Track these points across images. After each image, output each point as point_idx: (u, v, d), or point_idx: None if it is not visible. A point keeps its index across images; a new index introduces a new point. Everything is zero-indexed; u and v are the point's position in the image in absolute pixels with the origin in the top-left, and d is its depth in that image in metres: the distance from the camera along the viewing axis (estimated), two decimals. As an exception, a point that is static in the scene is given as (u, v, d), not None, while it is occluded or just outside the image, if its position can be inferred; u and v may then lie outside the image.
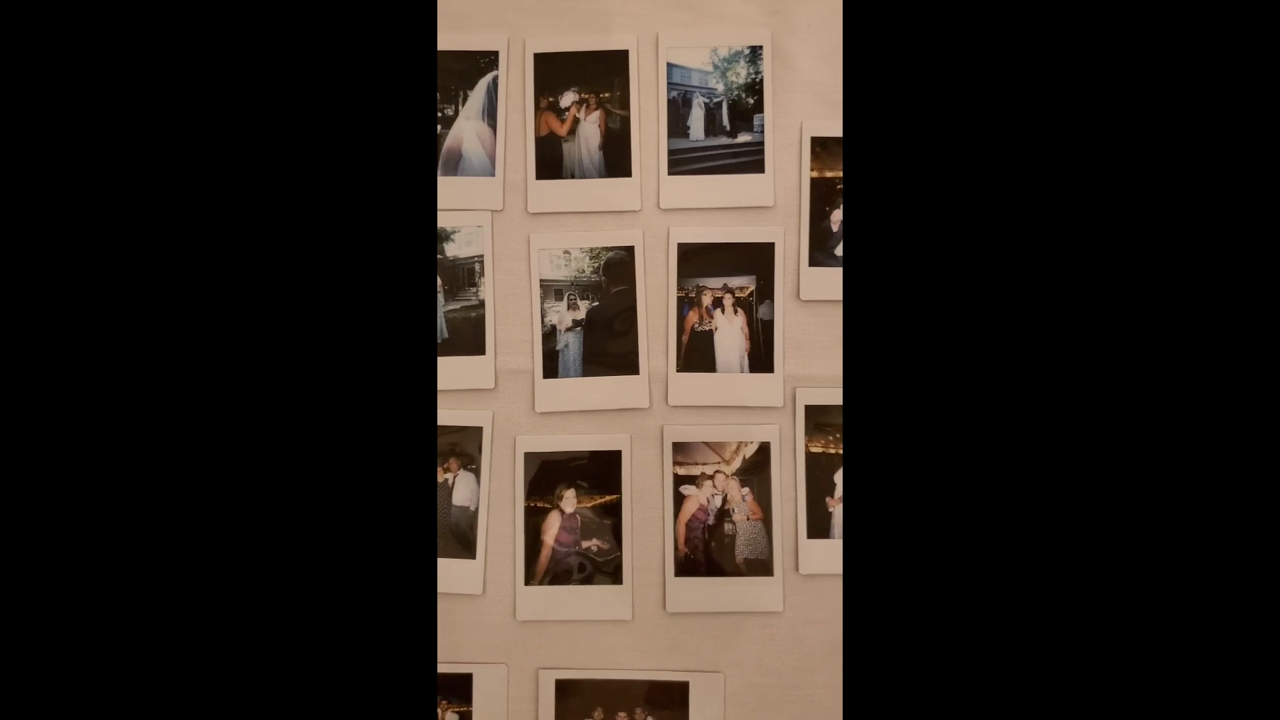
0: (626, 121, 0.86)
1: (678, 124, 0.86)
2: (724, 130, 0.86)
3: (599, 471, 0.85)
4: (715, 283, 0.85)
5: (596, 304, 0.86)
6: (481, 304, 0.85)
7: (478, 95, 0.87)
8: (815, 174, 0.85)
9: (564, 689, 0.83)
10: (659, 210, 0.86)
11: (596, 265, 0.86)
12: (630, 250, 0.85)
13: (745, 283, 0.85)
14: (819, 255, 0.85)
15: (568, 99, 0.86)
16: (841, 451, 0.84)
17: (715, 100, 0.86)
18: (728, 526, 0.84)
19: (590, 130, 0.86)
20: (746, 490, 0.84)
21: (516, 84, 0.86)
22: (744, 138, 0.86)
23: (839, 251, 0.85)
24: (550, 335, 0.85)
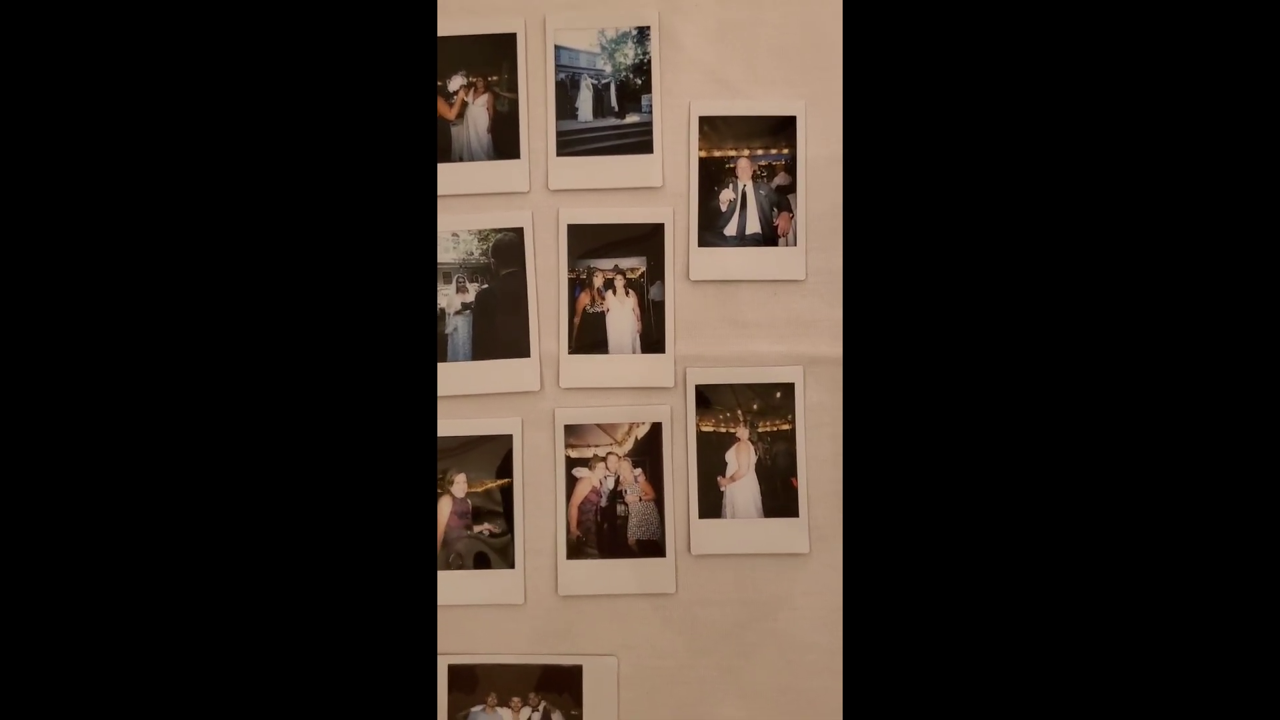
0: (514, 104, 0.86)
1: (566, 106, 0.86)
2: (612, 111, 0.86)
3: (491, 456, 0.84)
4: (606, 264, 0.85)
5: (485, 287, 0.85)
6: (369, 288, 0.84)
7: (363, 78, 0.86)
8: (704, 154, 0.85)
9: (456, 674, 0.83)
10: (548, 191, 0.85)
11: (485, 248, 0.85)
12: (519, 232, 0.85)
13: (636, 264, 0.85)
14: (708, 235, 0.84)
15: (455, 83, 0.86)
16: (732, 431, 0.84)
17: (603, 81, 0.86)
18: (620, 508, 0.84)
19: (478, 114, 0.86)
20: (639, 471, 0.84)
21: (402, 67, 0.86)
22: (632, 118, 0.85)
23: (728, 231, 0.84)
24: (439, 319, 0.85)
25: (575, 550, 0.83)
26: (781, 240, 0.84)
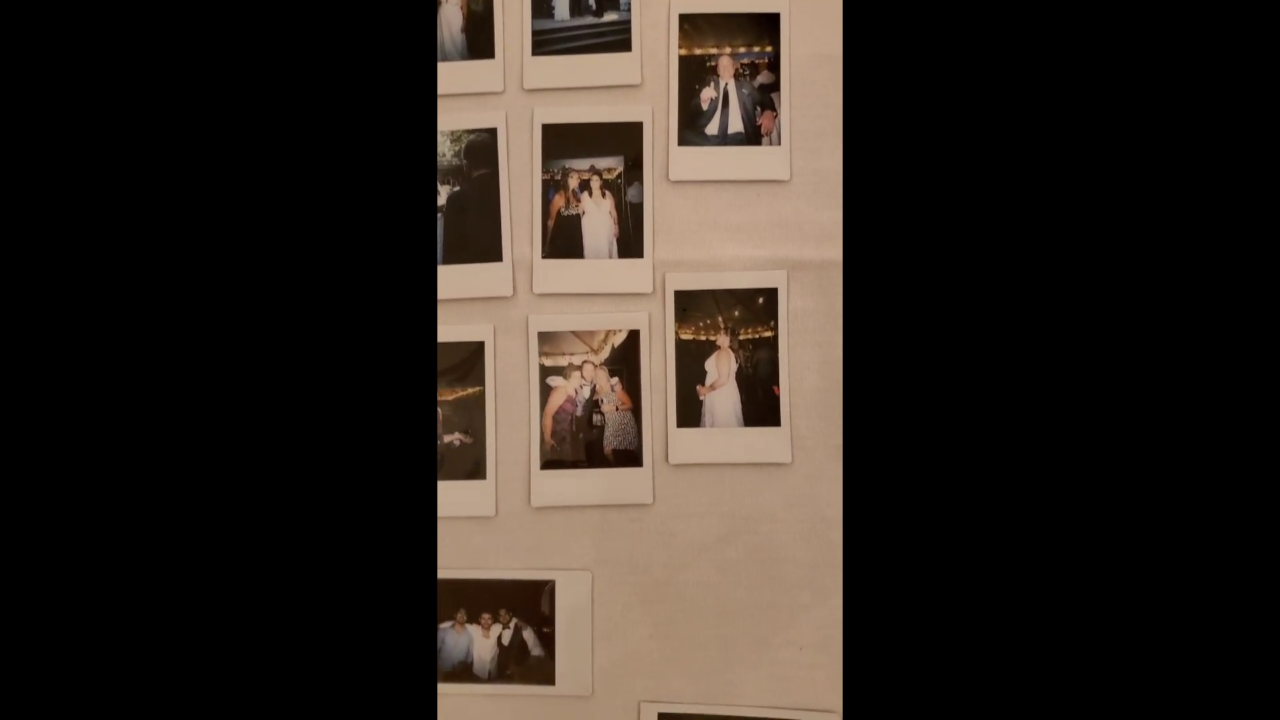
0: (489, 3, 0.83)
1: (543, 4, 0.83)
2: (589, 9, 0.82)
3: (461, 363, 0.81)
4: (582, 164, 0.82)
5: (457, 189, 0.82)
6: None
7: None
8: (684, 51, 0.82)
9: (424, 590, 0.79)
10: (523, 91, 0.82)
11: (458, 149, 0.82)
12: (493, 133, 0.82)
13: (613, 164, 0.82)
14: (688, 135, 0.81)
15: (427, -22, 0.83)
16: (712, 339, 0.80)
17: (581, -22, 0.83)
18: (596, 418, 0.81)
19: (452, 13, 0.83)
20: (615, 380, 0.81)
21: (372, -40, 0.83)
22: (610, 16, 0.82)
23: (709, 130, 0.81)
24: (408, 221, 0.81)
25: (549, 461, 0.80)
26: (765, 140, 0.81)
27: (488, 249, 0.81)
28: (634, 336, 0.81)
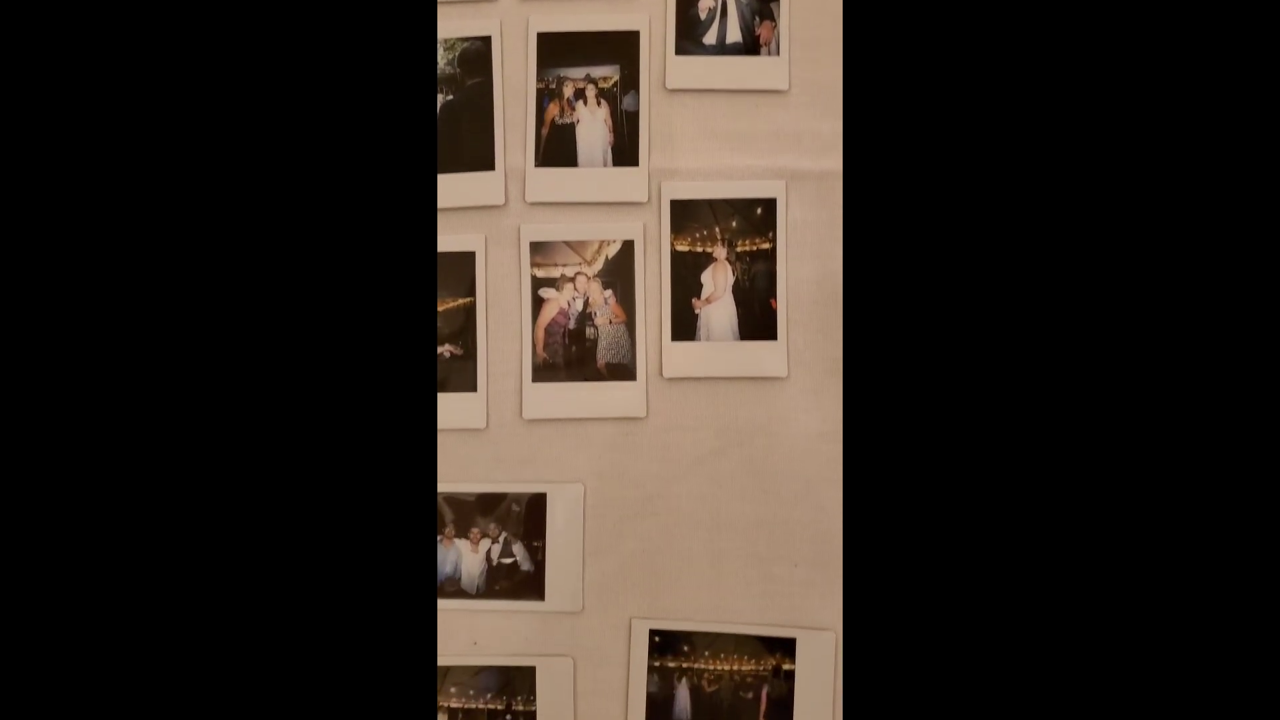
0: (485, -92, 0.81)
1: (539, -90, 0.81)
2: (587, -85, 0.81)
3: (452, 274, 0.79)
4: (577, 73, 0.80)
5: (450, 98, 0.80)
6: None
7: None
8: (682, -41, 0.80)
9: (412, 502, 0.78)
10: (518, -1, 0.80)
11: (451, 57, 0.80)
12: (487, 41, 0.80)
13: (609, 72, 0.80)
14: (686, 44, 0.79)
15: (421, -118, 0.81)
16: (708, 250, 0.79)
17: (577, -117, 0.81)
18: (589, 330, 0.79)
19: (446, -82, 0.81)
20: (609, 292, 0.79)
21: None
22: (608, -78, 0.80)
23: (707, 40, 0.80)
24: (399, 128, 0.80)
25: (541, 373, 0.79)
26: (764, 50, 0.79)
27: (480, 158, 0.80)
28: (628, 247, 0.79)
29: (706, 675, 0.76)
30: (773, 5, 0.79)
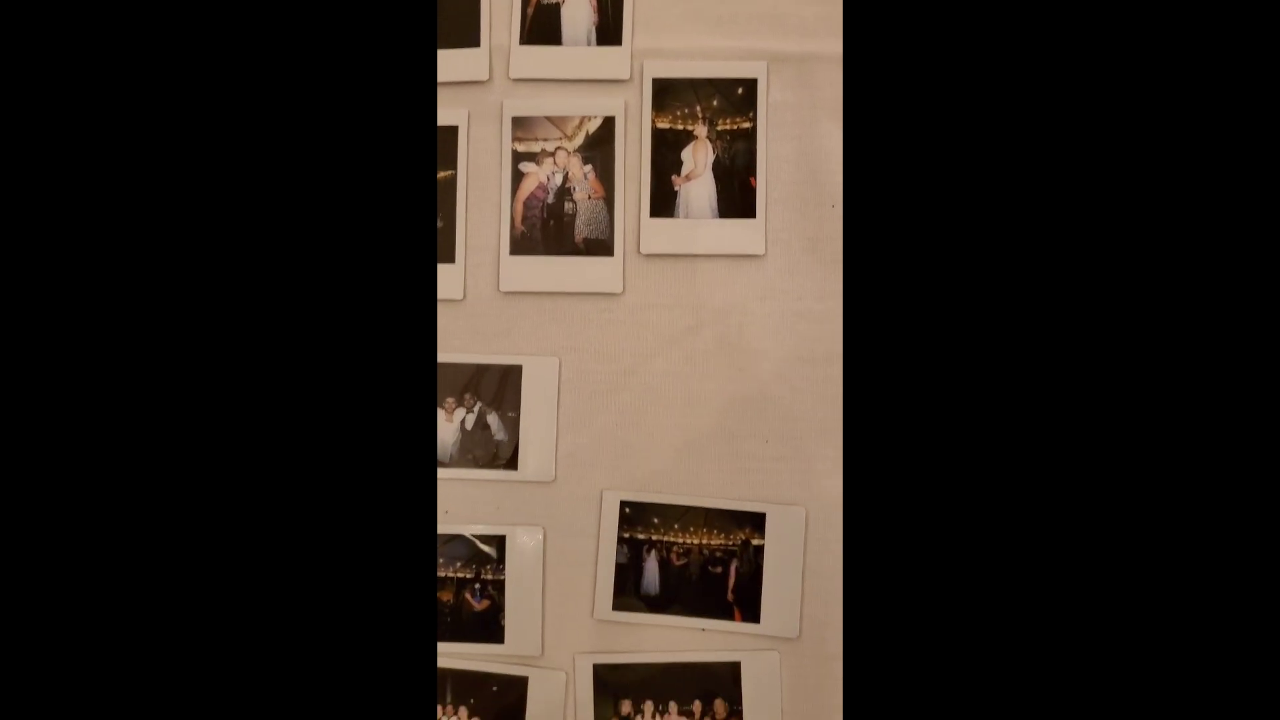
0: None
1: None
2: None
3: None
4: (563, -48, 0.80)
5: (437, -27, 0.81)
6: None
7: None
8: None
9: (388, 371, 0.78)
10: (505, -123, 0.81)
11: (438, -67, 0.81)
12: (474, -82, 0.80)
13: (594, -48, 0.80)
14: (672, -76, 0.80)
15: None
16: (689, 128, 0.79)
17: None
18: (568, 205, 0.79)
19: None
20: (589, 168, 0.79)
21: None
22: None
23: (693, -80, 0.80)
24: (385, 1, 0.80)
25: (519, 246, 0.79)
26: (749, -69, 0.79)
27: (466, 35, 0.80)
28: (609, 124, 0.79)
29: (675, 548, 0.77)
30: (760, -111, 0.79)
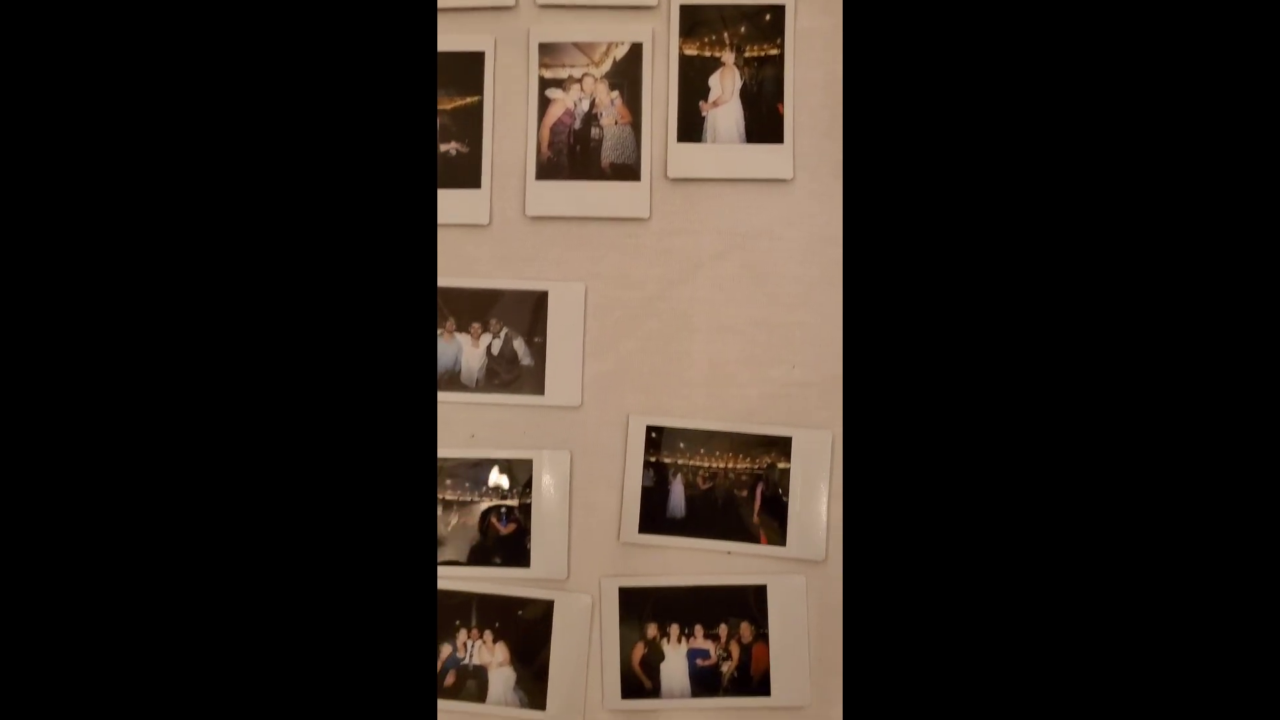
0: None
1: None
2: None
3: (461, 74, 0.79)
4: (590, -122, 0.80)
5: (463, -101, 0.80)
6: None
7: None
8: None
9: (414, 295, 0.78)
10: None
11: None
12: None
13: (622, -122, 0.80)
14: None
15: None
16: (717, 55, 0.79)
17: None
18: (595, 131, 0.79)
19: None
20: (616, 94, 0.79)
21: None
22: None
23: None
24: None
25: (545, 171, 0.79)
26: None
27: (492, -40, 0.80)
28: (636, 50, 0.79)
29: (701, 472, 0.77)
30: None
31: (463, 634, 0.77)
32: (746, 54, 0.79)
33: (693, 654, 0.76)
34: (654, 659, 0.76)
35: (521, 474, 0.77)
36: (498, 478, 0.77)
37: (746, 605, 0.76)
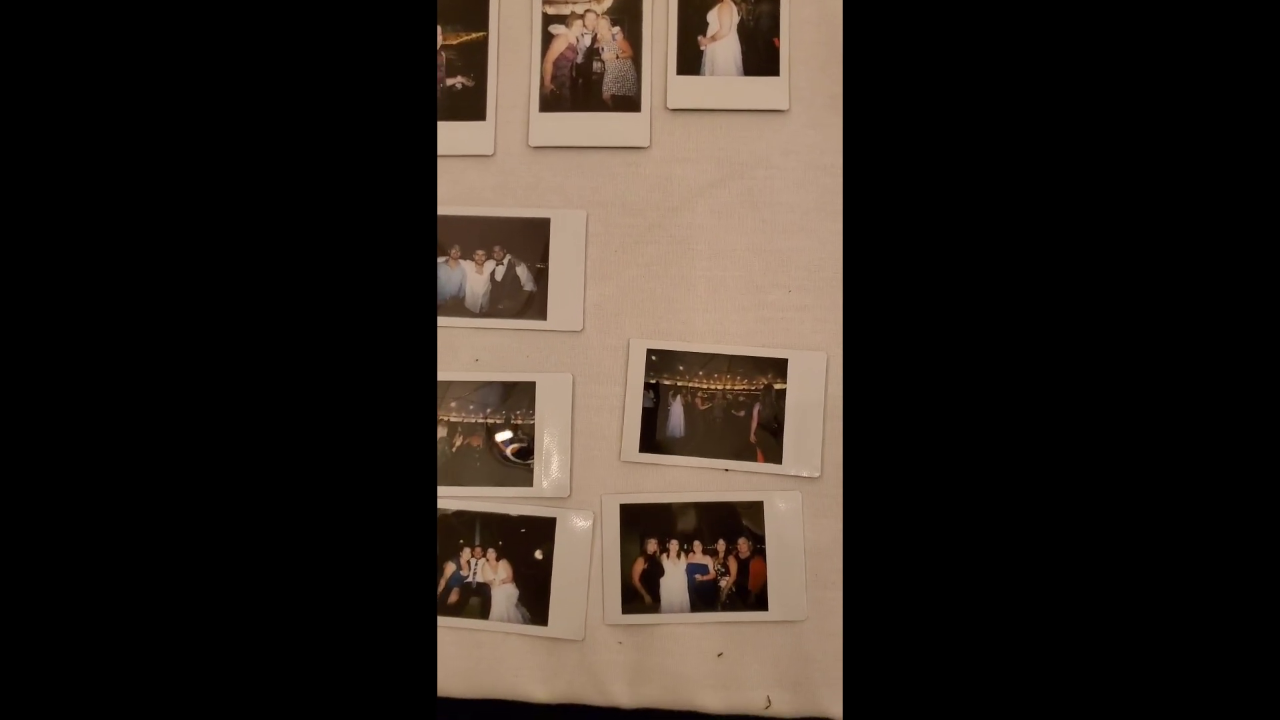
0: None
1: None
2: None
3: (466, 10, 0.82)
4: None
5: None
6: None
7: None
8: None
9: (420, 223, 0.80)
10: None
11: None
12: None
13: None
14: None
15: None
16: (716, -9, 0.81)
17: None
18: (596, 65, 0.82)
19: None
20: (617, 29, 0.82)
21: None
22: None
23: None
24: None
25: (548, 104, 0.81)
26: None
27: (497, -99, 0.82)
28: (637, -13, 0.81)
29: (700, 394, 0.79)
30: None
31: (466, 552, 0.79)
32: (743, -10, 0.81)
33: (691, 569, 0.77)
34: (654, 574, 0.77)
35: (524, 397, 0.79)
36: (501, 399, 0.79)
37: (744, 521, 0.77)
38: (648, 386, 0.79)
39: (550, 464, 0.79)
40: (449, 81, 0.82)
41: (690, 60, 0.81)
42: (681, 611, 0.77)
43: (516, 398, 0.79)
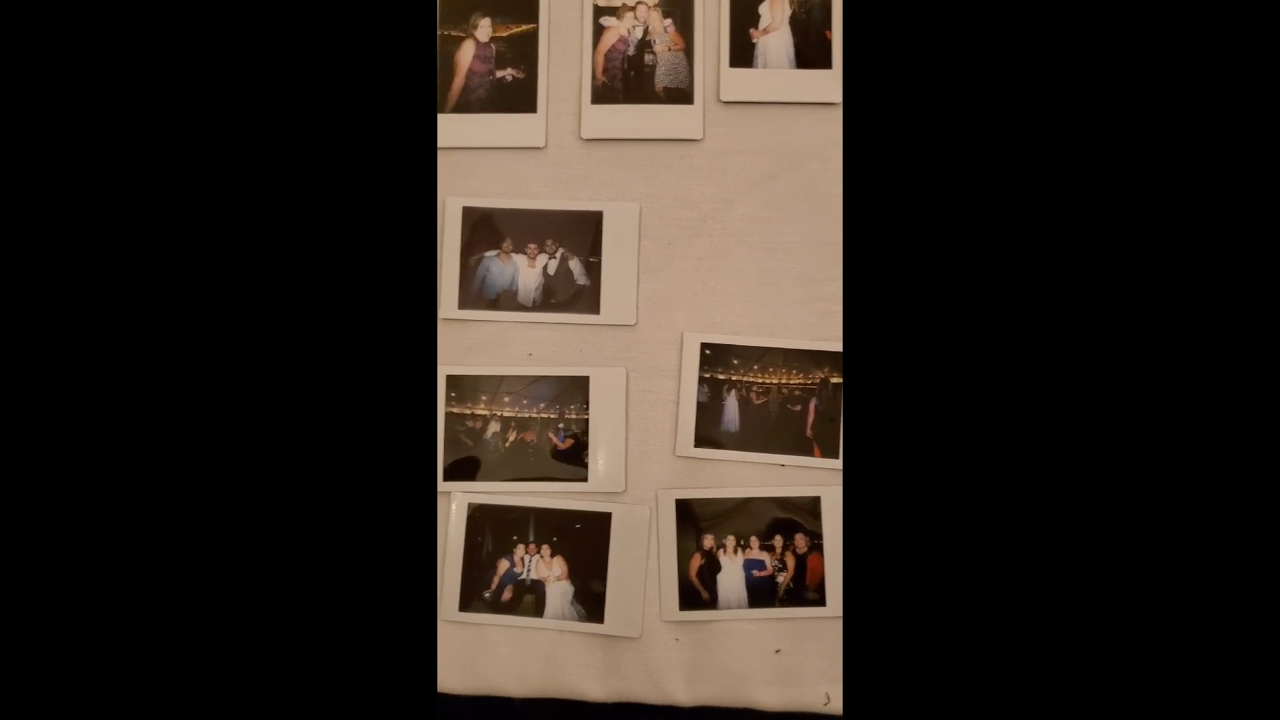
0: None
1: None
2: None
3: (516, 1, 0.81)
4: None
5: None
6: None
7: None
8: None
9: (472, 219, 0.80)
10: None
11: None
12: None
13: None
14: None
15: None
16: (767, -17, 0.81)
17: None
18: (648, 57, 0.81)
19: None
20: (669, 21, 0.81)
21: None
22: None
23: None
24: None
25: (600, 96, 0.81)
26: None
27: (546, -107, 0.82)
28: (689, -21, 0.81)
29: (755, 388, 0.78)
30: None
31: (520, 549, 0.78)
32: (796, -18, 0.81)
33: (749, 565, 0.77)
34: (711, 570, 0.77)
35: (578, 392, 0.78)
36: (555, 394, 0.78)
37: (802, 516, 0.77)
38: (702, 381, 0.78)
39: (604, 459, 0.78)
40: (499, 74, 0.81)
41: (742, 52, 0.80)
42: (739, 608, 0.76)
43: (570, 392, 0.79)
